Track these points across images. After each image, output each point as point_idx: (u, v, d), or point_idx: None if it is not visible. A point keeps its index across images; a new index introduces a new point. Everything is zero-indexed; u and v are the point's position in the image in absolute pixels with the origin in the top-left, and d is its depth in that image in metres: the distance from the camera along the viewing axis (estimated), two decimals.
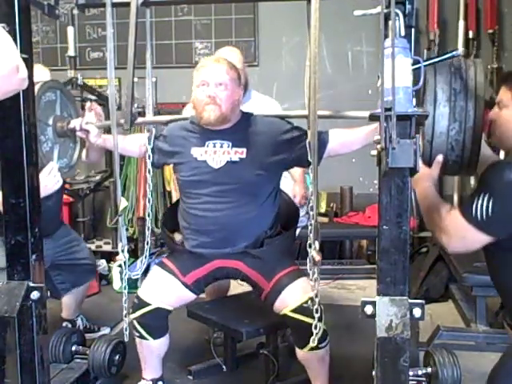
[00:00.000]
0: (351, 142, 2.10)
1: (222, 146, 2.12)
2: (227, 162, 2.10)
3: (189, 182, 2.17)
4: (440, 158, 1.65)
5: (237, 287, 2.94)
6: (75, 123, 2.12)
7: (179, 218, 2.27)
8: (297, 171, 2.77)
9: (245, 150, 2.10)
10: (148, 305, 2.14)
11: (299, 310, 2.02)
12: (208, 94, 2.04)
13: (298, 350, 2.10)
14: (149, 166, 2.16)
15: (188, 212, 2.19)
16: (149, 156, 2.17)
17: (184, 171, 2.17)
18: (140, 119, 2.02)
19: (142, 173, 4.06)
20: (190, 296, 2.25)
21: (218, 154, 2.11)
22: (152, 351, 2.23)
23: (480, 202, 1.52)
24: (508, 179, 1.50)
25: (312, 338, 1.74)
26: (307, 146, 1.82)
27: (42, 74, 2.32)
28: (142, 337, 2.18)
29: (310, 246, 1.68)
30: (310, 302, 1.76)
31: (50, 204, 2.05)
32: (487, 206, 1.51)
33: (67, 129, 2.12)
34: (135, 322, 2.16)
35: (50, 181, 2.02)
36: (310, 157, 1.70)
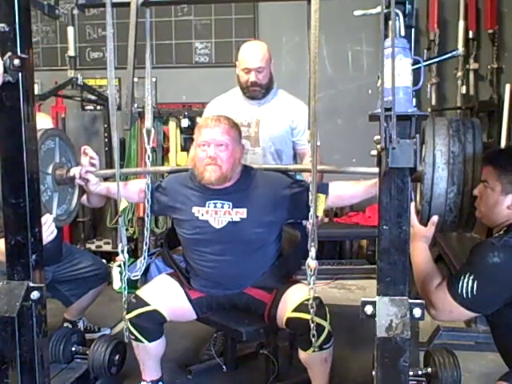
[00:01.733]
0: (351, 195, 2.15)
1: (222, 207, 2.14)
2: (228, 222, 2.14)
3: (191, 239, 2.21)
4: (435, 218, 1.69)
5: None
6: (74, 171, 2.12)
7: (184, 256, 2.32)
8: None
9: (245, 210, 2.13)
10: (146, 305, 2.12)
11: (300, 308, 2.00)
12: (209, 155, 2.06)
13: (300, 351, 2.08)
14: (148, 151, 2.13)
15: (192, 265, 2.25)
16: (148, 200, 2.18)
17: (186, 228, 2.21)
18: (138, 169, 2.02)
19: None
20: (190, 312, 2.26)
21: (219, 214, 2.14)
22: (148, 353, 2.22)
23: (465, 281, 1.60)
24: (491, 262, 1.57)
25: (312, 333, 1.77)
26: (308, 200, 1.83)
27: (44, 123, 2.33)
28: (137, 339, 2.17)
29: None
30: (311, 300, 1.75)
31: (49, 246, 2.04)
32: (472, 286, 1.59)
33: (66, 177, 2.12)
34: (129, 324, 2.11)
35: (44, 233, 1.93)
36: (311, 199, 1.74)
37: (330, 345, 2.05)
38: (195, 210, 2.17)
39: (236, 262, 2.15)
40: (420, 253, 1.74)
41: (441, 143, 1.63)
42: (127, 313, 2.10)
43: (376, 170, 1.50)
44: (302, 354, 2.07)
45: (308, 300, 1.76)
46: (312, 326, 1.76)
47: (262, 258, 2.20)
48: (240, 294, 2.24)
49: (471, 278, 1.59)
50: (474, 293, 1.58)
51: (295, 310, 2.02)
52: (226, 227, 2.13)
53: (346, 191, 2.13)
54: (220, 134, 2.08)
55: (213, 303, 2.28)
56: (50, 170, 2.09)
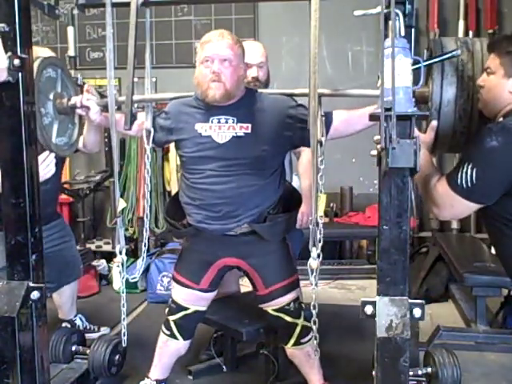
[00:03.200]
0: (355, 121, 2.08)
1: (226, 122, 2.08)
2: (232, 136, 2.07)
3: (193, 157, 2.13)
4: (434, 123, 1.66)
5: (243, 288, 2.94)
6: (76, 100, 2.09)
7: (181, 195, 2.23)
8: (305, 186, 2.66)
9: (250, 125, 2.07)
10: (186, 309, 2.21)
11: (280, 310, 2.15)
12: (213, 70, 2.00)
13: (286, 348, 2.20)
14: (147, 180, 2.13)
15: (191, 187, 2.15)
16: (147, 135, 2.11)
17: (188, 147, 2.13)
18: (140, 96, 2.01)
19: (141, 173, 4.06)
20: (211, 295, 2.28)
21: (222, 130, 2.08)
22: (174, 351, 2.28)
23: (464, 170, 1.55)
24: (489, 146, 1.52)
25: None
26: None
27: (42, 51, 2.32)
28: (172, 336, 2.22)
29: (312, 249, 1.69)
30: (292, 303, 1.83)
31: (46, 188, 2.03)
32: (471, 175, 1.54)
33: (67, 105, 2.09)
34: (172, 323, 2.21)
35: (41, 169, 1.99)
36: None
37: (308, 339, 2.14)
38: (198, 126, 2.11)
39: (236, 181, 2.08)
40: (421, 157, 1.71)
41: (450, 51, 1.62)
42: (170, 315, 2.23)
43: (375, 92, 1.47)
44: (287, 351, 2.21)
45: (289, 304, 1.89)
46: (315, 327, 1.77)
47: (262, 185, 2.12)
48: (240, 268, 2.22)
49: (470, 166, 1.54)
50: (474, 181, 1.54)
51: (275, 310, 2.16)
52: (230, 142, 2.06)
53: (350, 117, 2.08)
54: (224, 48, 2.01)
55: (221, 274, 2.25)
56: (50, 97, 2.07)
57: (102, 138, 2.42)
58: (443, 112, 1.61)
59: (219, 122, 2.09)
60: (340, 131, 2.08)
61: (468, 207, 1.59)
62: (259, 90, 2.17)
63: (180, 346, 2.27)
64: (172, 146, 4.07)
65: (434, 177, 1.65)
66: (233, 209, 2.10)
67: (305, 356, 2.19)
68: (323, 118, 1.93)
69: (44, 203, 1.81)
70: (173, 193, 4.05)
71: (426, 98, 1.65)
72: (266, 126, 2.08)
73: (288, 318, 2.14)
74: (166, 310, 2.26)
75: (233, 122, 2.08)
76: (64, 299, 2.86)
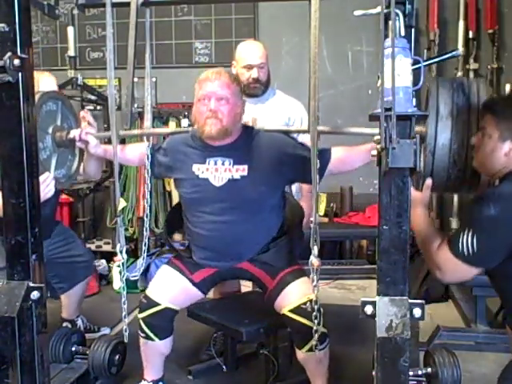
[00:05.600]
0: (353, 159, 2.10)
1: (223, 164, 2.11)
2: (229, 179, 2.10)
3: (191, 199, 2.18)
4: (429, 181, 1.68)
5: (243, 288, 2.94)
6: (75, 133, 2.11)
7: (184, 229, 2.30)
8: (305, 187, 2.69)
9: (246, 166, 2.09)
10: (157, 305, 2.15)
11: (297, 311, 2.03)
12: (209, 108, 2.03)
13: (297, 351, 2.11)
14: (147, 180, 2.15)
15: (192, 230, 2.21)
16: (148, 171, 2.16)
17: (186, 188, 2.18)
18: (137, 131, 2.03)
19: (141, 173, 4.06)
20: (197, 294, 2.26)
21: (219, 172, 2.10)
22: (156, 352, 2.24)
23: (465, 237, 1.57)
24: (486, 214, 1.54)
25: (311, 339, 1.75)
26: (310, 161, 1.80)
27: (49, 84, 2.33)
28: (147, 337, 2.19)
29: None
30: (308, 303, 1.77)
31: (45, 209, 2.04)
32: (472, 242, 1.56)
33: (66, 139, 2.11)
34: (142, 322, 2.17)
35: (41, 189, 1.97)
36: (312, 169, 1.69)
37: (325, 346, 2.07)
38: (195, 168, 2.13)
39: (236, 224, 2.11)
40: (419, 218, 1.72)
41: (445, 95, 1.62)
42: (140, 312, 2.15)
43: (374, 130, 1.48)
44: (299, 354, 2.10)
45: (306, 304, 1.76)
46: (314, 329, 1.74)
47: (263, 223, 2.15)
48: (242, 271, 2.22)
49: (470, 233, 1.56)
50: (475, 249, 1.55)
51: (292, 311, 2.05)
52: (226, 185, 2.09)
53: (348, 154, 2.10)
54: (221, 87, 2.04)
55: (216, 279, 2.28)
56: (49, 131, 2.08)
57: (102, 166, 2.44)
58: (437, 155, 1.62)
59: (216, 164, 2.11)
60: (338, 168, 2.10)
61: (471, 272, 1.62)
62: (256, 128, 2.17)
63: (158, 346, 2.21)
64: None
65: (435, 241, 1.68)
66: (235, 249, 2.16)
67: (316, 362, 2.11)
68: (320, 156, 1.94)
69: (43, 223, 1.81)
70: (173, 193, 4.06)
71: (423, 137, 1.65)
72: (263, 166, 2.10)
73: (306, 321, 1.96)
74: (138, 309, 2.21)
75: (229, 165, 2.10)
76: (73, 299, 2.86)
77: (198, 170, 2.13)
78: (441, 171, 1.67)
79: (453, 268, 1.62)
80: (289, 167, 2.10)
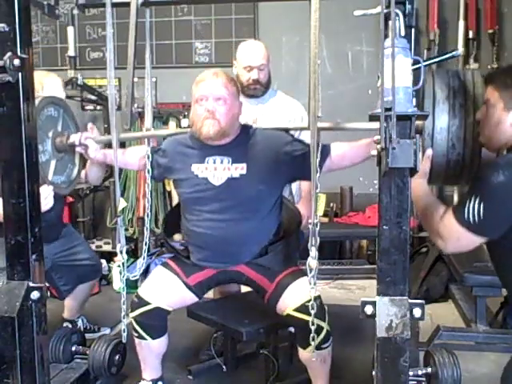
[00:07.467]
0: (353, 155, 2.10)
1: (222, 162, 2.11)
2: (228, 178, 2.10)
3: (190, 198, 2.18)
4: (430, 151, 1.66)
5: (244, 288, 2.94)
6: (74, 138, 2.12)
7: (182, 229, 2.29)
8: (305, 188, 2.69)
9: (245, 165, 2.10)
10: (147, 304, 2.14)
11: (302, 308, 2.01)
12: (207, 109, 2.03)
13: (300, 350, 2.09)
14: (148, 180, 2.15)
15: (190, 229, 2.21)
16: (148, 171, 2.16)
17: (185, 187, 2.18)
18: (137, 134, 2.03)
19: (142, 173, 4.06)
20: (191, 298, 2.25)
21: (218, 171, 2.11)
22: (151, 351, 2.22)
23: (471, 204, 1.54)
24: (496, 181, 1.51)
25: (312, 336, 1.74)
26: (309, 158, 1.80)
27: (54, 85, 2.36)
28: (140, 337, 2.17)
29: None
30: (312, 301, 1.75)
31: (50, 214, 2.05)
32: (478, 209, 1.53)
33: (66, 143, 2.12)
34: (134, 322, 2.15)
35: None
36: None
37: (329, 345, 2.06)
38: (194, 167, 2.14)
39: (235, 223, 2.11)
40: (419, 188, 1.69)
41: (441, 81, 1.63)
42: (131, 312, 2.13)
43: (374, 125, 1.47)
44: (302, 353, 2.08)
45: (309, 301, 1.75)
46: (313, 328, 1.72)
47: (261, 223, 2.15)
48: (239, 273, 2.21)
49: (477, 201, 1.53)
50: (481, 216, 1.53)
51: (296, 310, 2.03)
52: (226, 184, 2.09)
53: (347, 150, 2.10)
54: (218, 87, 2.04)
55: (212, 284, 2.28)
56: (50, 134, 2.08)
57: (104, 173, 2.48)
58: (436, 140, 1.62)
59: (215, 163, 2.11)
60: (337, 164, 2.10)
61: (474, 241, 1.59)
62: (254, 127, 2.18)
63: (153, 345, 2.19)
64: None
65: (438, 209, 1.65)
66: (234, 249, 2.15)
67: (320, 362, 2.07)
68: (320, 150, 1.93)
69: (47, 229, 1.81)
70: (173, 193, 4.06)
71: (420, 129, 1.65)
72: (261, 164, 2.10)
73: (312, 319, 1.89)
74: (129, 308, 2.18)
75: (228, 163, 2.10)
76: (77, 301, 2.86)
77: (198, 169, 2.13)
78: (440, 156, 1.67)
79: (457, 236, 1.59)
80: (288, 166, 2.10)
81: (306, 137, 2.21)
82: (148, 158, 2.16)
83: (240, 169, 2.09)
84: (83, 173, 2.36)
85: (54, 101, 2.13)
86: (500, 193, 1.52)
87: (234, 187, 2.09)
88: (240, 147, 2.12)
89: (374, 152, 1.45)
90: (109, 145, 2.13)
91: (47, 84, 2.41)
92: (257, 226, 2.14)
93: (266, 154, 2.11)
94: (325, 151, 2.04)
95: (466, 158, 1.65)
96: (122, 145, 2.33)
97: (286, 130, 2.20)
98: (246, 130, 2.16)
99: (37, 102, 1.90)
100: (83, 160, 2.26)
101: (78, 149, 2.14)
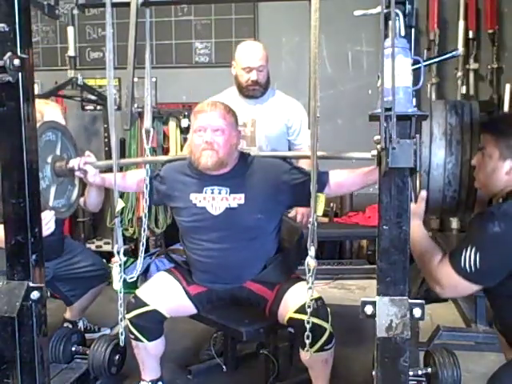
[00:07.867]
0: (351, 183, 2.12)
1: (220, 193, 2.13)
2: (226, 208, 2.12)
3: (189, 227, 2.20)
4: (424, 193, 1.68)
5: None
6: (74, 163, 2.12)
7: (183, 248, 2.31)
8: None
9: (243, 195, 2.11)
10: (145, 305, 2.12)
11: (302, 309, 1.98)
12: (205, 140, 2.05)
13: (301, 351, 2.08)
14: (147, 180, 2.15)
15: (191, 256, 2.24)
16: (146, 200, 2.17)
17: (184, 216, 2.20)
18: (137, 159, 2.02)
19: None
20: (190, 307, 2.25)
21: (216, 201, 2.12)
22: (148, 353, 2.22)
23: (468, 254, 1.56)
24: (492, 232, 1.54)
25: (319, 339, 1.74)
26: (309, 186, 1.78)
27: (53, 114, 2.37)
28: (137, 339, 2.16)
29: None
30: (313, 302, 1.75)
31: (51, 238, 2.05)
32: (475, 259, 1.55)
33: (66, 168, 2.12)
34: (129, 324, 2.13)
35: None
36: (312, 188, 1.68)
37: (331, 346, 2.05)
38: (193, 196, 2.15)
39: (234, 251, 2.13)
40: (415, 230, 1.69)
41: (438, 116, 1.63)
42: (127, 313, 2.11)
43: (372, 153, 1.47)
44: (303, 354, 2.06)
45: (310, 301, 1.75)
46: (309, 326, 1.71)
47: (260, 248, 2.18)
48: (240, 288, 2.22)
49: (473, 250, 1.55)
50: (478, 266, 1.55)
51: (297, 312, 2.02)
52: (224, 214, 2.11)
53: (345, 178, 2.11)
54: (216, 118, 2.06)
55: (213, 297, 2.27)
56: (48, 160, 2.09)
57: (103, 199, 2.50)
58: (432, 176, 1.63)
59: (213, 193, 2.13)
60: (334, 192, 2.14)
61: (471, 288, 1.62)
62: (252, 154, 2.19)
63: (149, 347, 2.18)
64: (172, 146, 4.12)
65: (435, 255, 1.67)
66: (235, 272, 2.18)
67: (322, 363, 2.07)
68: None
69: (51, 249, 1.81)
70: None
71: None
72: (259, 194, 2.12)
73: (314, 320, 1.82)
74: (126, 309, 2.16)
75: (226, 193, 2.12)
76: (81, 305, 2.86)
77: (196, 198, 2.15)
78: (436, 191, 1.68)
79: (454, 284, 1.61)
80: (286, 194, 2.12)
81: (305, 140, 2.22)
82: (147, 175, 2.14)
83: (238, 199, 2.11)
84: (82, 200, 2.38)
85: (51, 125, 2.14)
86: (495, 244, 1.55)
87: (231, 217, 2.11)
88: (238, 177, 2.14)
89: (374, 152, 1.46)
90: (108, 169, 2.15)
91: (47, 113, 2.41)
92: (256, 252, 2.18)
93: (264, 184, 2.13)
94: (324, 179, 2.07)
95: (462, 194, 1.67)
96: (120, 169, 2.35)
97: (284, 158, 2.22)
98: (244, 158, 2.18)
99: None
100: (82, 183, 2.27)
101: (77, 173, 2.15)
